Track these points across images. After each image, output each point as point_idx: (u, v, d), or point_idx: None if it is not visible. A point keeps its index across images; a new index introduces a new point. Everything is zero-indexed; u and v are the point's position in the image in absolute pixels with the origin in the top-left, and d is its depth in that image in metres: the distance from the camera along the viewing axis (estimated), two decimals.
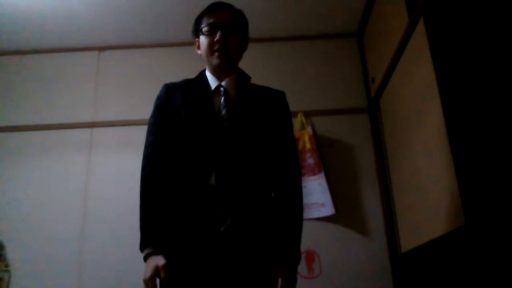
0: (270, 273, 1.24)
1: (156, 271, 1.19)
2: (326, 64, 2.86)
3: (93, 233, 2.49)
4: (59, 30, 2.77)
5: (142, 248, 1.24)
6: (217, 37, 1.37)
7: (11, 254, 2.45)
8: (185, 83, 1.45)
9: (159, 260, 1.19)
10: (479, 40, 1.45)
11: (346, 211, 2.48)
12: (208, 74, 1.45)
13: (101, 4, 2.56)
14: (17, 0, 2.48)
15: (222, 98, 1.36)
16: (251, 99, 1.40)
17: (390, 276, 2.37)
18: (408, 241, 2.21)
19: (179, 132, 1.33)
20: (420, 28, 1.86)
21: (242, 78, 1.45)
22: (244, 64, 1.51)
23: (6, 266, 2.41)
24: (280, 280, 1.24)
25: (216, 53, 1.38)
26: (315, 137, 2.57)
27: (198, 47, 1.47)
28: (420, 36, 1.87)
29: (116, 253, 2.43)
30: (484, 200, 1.40)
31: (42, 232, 2.49)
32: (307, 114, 2.66)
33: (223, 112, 1.34)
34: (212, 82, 1.41)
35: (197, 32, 1.46)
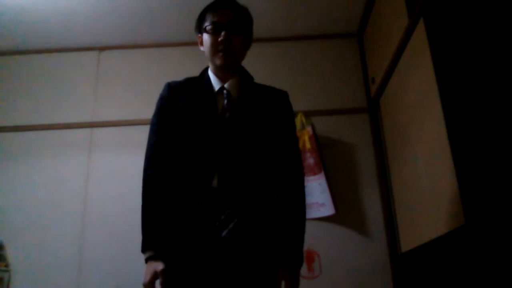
0: (272, 276, 1.24)
1: (155, 276, 1.19)
2: (326, 64, 2.86)
3: (93, 233, 2.50)
4: (59, 30, 2.77)
5: (143, 250, 1.24)
6: (221, 37, 1.34)
7: (11, 254, 2.45)
8: (188, 82, 1.43)
9: (158, 266, 1.19)
10: (479, 40, 1.45)
11: (346, 211, 2.48)
12: (211, 74, 1.43)
13: (101, 4, 2.56)
14: (17, 0, 2.49)
15: (225, 101, 1.35)
16: (253, 101, 1.38)
17: (390, 276, 2.37)
18: (408, 241, 2.21)
19: (182, 133, 1.32)
20: (420, 28, 1.86)
21: (245, 79, 1.44)
22: (244, 64, 1.50)
23: (6, 266, 2.41)
24: (283, 283, 1.24)
25: (220, 54, 1.35)
26: (315, 137, 2.57)
27: (201, 44, 1.44)
28: (420, 36, 1.87)
29: (115, 253, 2.43)
30: (484, 200, 1.40)
31: (42, 232, 2.50)
32: (307, 114, 2.66)
33: (226, 114, 1.33)
34: (215, 83, 1.39)
35: (200, 28, 1.43)
